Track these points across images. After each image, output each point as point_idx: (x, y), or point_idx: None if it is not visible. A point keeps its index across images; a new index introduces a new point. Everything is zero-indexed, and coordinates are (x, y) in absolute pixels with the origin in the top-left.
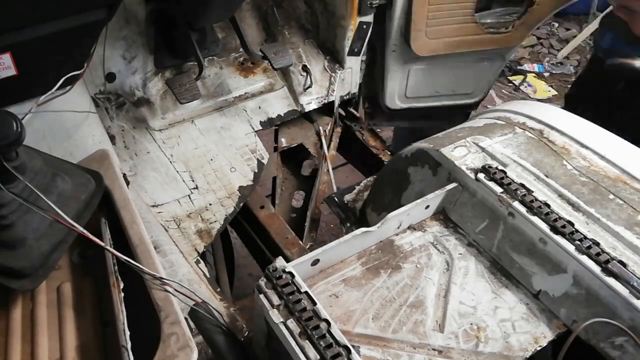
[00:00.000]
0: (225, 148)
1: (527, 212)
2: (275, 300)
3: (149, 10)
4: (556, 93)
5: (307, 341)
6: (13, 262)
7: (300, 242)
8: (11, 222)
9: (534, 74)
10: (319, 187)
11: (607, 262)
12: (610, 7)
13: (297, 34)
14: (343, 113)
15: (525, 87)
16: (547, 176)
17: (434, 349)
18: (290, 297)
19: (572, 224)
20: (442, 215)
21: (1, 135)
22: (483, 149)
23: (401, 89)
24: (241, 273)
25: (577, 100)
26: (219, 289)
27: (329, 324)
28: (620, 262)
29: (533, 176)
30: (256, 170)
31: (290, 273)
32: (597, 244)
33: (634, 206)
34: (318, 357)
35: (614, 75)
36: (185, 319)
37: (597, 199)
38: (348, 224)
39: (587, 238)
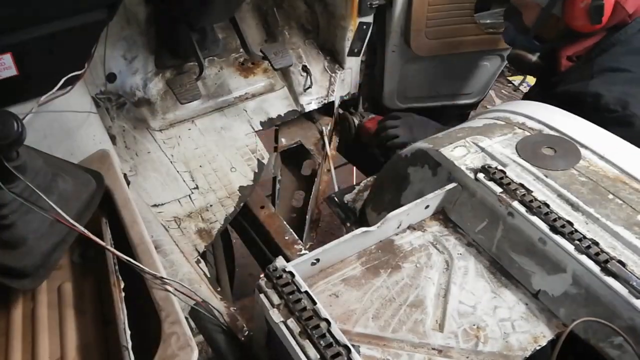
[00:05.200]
0: (225, 148)
1: (526, 211)
2: (276, 299)
3: (150, 10)
4: None
5: (307, 340)
6: (14, 262)
7: (300, 241)
8: (12, 222)
9: None
10: (319, 187)
11: (607, 261)
12: None
13: (297, 35)
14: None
15: (525, 87)
16: (546, 176)
17: (433, 349)
18: (291, 297)
19: (571, 224)
20: (442, 215)
21: (2, 135)
22: (482, 149)
23: (401, 89)
24: (241, 273)
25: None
26: (219, 289)
27: (329, 323)
28: (620, 261)
29: (532, 176)
30: (256, 170)
31: (291, 273)
32: (597, 244)
33: (633, 206)
34: (318, 356)
35: (516, 68)
36: (186, 318)
37: (597, 198)
38: (348, 224)
39: (587, 238)
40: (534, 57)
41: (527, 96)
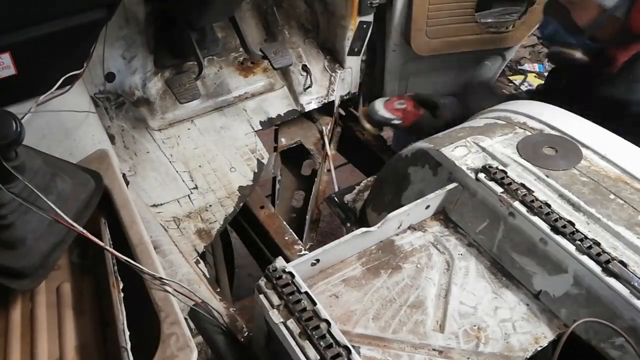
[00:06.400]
0: (225, 148)
1: (527, 212)
2: (275, 300)
3: (149, 9)
4: None
5: (307, 341)
6: (12, 262)
7: (300, 242)
8: (11, 222)
9: (534, 74)
10: (319, 187)
11: (608, 262)
12: None
13: (297, 34)
14: (343, 113)
15: (526, 86)
16: (547, 176)
17: (434, 350)
18: (290, 297)
19: (572, 224)
20: (443, 215)
21: (1, 135)
22: (483, 149)
23: (401, 88)
24: (241, 273)
25: (542, 94)
26: (218, 289)
27: (329, 324)
28: (621, 262)
29: (533, 176)
30: (256, 170)
31: (290, 273)
32: (598, 244)
33: (634, 206)
34: (318, 357)
35: (557, 66)
36: (185, 319)
37: (598, 198)
38: (348, 224)
39: (588, 238)
40: (578, 54)
41: (547, 92)
